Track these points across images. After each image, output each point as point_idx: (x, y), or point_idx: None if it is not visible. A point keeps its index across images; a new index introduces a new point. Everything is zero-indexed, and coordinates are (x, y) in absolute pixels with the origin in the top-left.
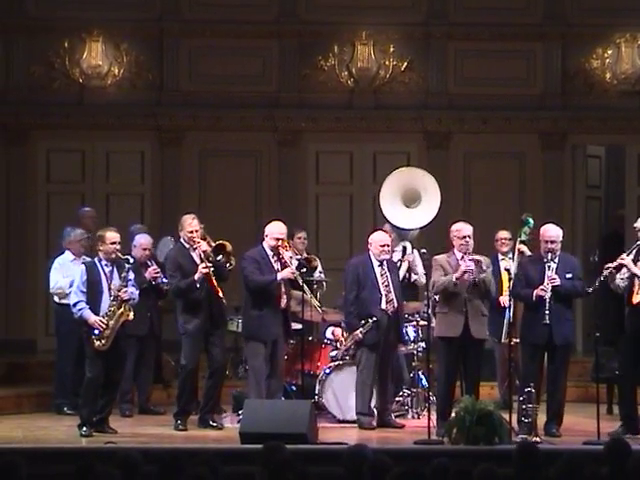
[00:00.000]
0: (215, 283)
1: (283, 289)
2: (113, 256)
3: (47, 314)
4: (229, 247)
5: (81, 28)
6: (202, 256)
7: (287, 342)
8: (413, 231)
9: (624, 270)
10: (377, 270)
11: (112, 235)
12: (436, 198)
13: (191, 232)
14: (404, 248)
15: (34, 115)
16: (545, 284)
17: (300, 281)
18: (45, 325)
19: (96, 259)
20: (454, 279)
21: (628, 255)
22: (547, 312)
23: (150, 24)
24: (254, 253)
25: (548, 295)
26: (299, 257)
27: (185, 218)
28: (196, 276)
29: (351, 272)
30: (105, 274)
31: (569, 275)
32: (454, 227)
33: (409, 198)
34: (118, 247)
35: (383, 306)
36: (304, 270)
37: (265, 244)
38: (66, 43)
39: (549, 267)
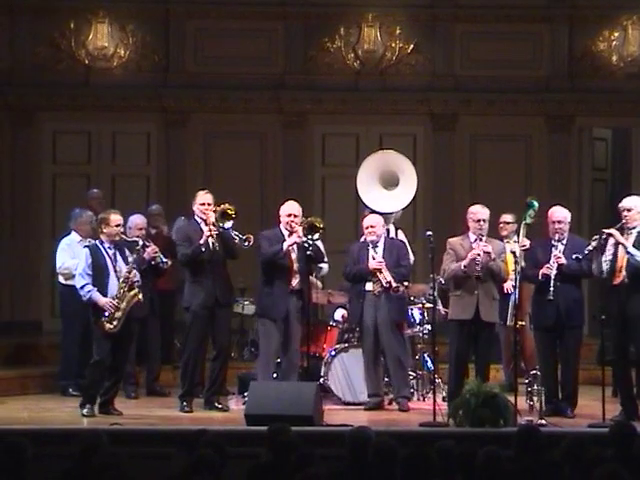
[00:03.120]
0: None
1: (295, 268)
2: (117, 238)
3: (53, 295)
4: (232, 211)
5: (87, 9)
6: (210, 226)
7: (302, 323)
8: (396, 213)
9: (608, 252)
10: (371, 252)
11: (116, 218)
12: (413, 179)
13: (202, 204)
14: (387, 231)
15: (40, 96)
16: (551, 262)
17: (308, 244)
18: (51, 306)
19: (98, 242)
20: (462, 267)
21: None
22: (552, 288)
23: (156, 5)
24: (269, 232)
25: (553, 273)
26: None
27: (199, 192)
28: (201, 240)
29: (349, 253)
30: (109, 256)
31: (576, 256)
32: (471, 209)
33: (387, 181)
34: (122, 229)
35: (367, 287)
36: (313, 234)
37: (281, 225)
38: (72, 24)
39: (556, 248)
